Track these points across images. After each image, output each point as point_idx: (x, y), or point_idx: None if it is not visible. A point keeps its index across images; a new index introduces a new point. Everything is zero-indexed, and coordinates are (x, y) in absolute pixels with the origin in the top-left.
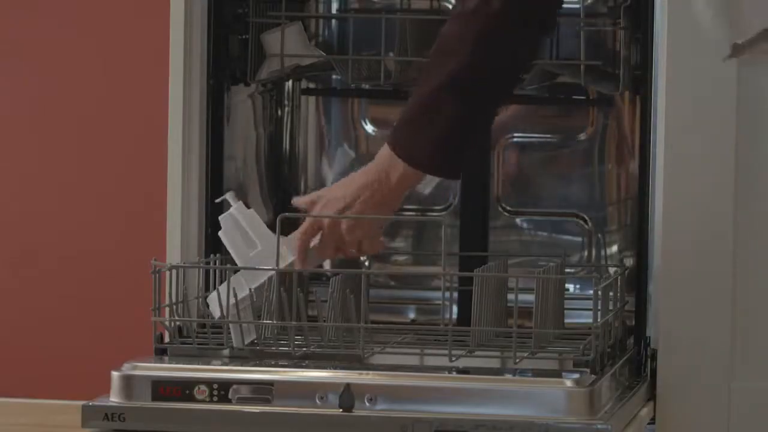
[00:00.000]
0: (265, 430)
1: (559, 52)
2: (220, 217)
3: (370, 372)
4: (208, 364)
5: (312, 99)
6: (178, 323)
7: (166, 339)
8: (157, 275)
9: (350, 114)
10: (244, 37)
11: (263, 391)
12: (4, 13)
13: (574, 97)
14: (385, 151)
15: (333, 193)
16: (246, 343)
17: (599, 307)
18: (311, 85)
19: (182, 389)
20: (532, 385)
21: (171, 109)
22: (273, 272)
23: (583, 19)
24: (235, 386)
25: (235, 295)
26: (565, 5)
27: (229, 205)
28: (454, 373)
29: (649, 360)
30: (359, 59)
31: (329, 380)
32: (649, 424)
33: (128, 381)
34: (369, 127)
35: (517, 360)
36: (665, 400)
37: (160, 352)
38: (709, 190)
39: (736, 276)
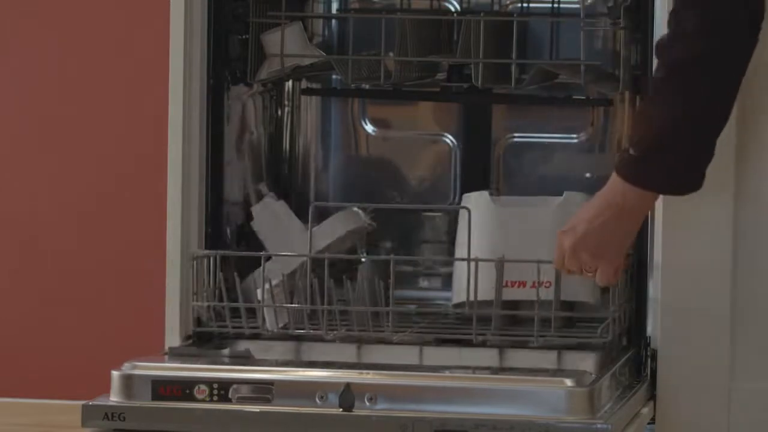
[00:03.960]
0: (265, 429)
1: (559, 52)
2: (252, 208)
3: (371, 371)
4: (209, 363)
5: (312, 99)
6: (214, 308)
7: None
8: (197, 262)
9: (350, 114)
10: (244, 37)
11: (263, 390)
12: (3, 12)
13: (574, 97)
14: (619, 185)
15: (582, 228)
16: (279, 326)
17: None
18: (311, 85)
19: (182, 389)
20: (532, 385)
21: (171, 109)
22: (305, 258)
23: (583, 19)
24: (235, 386)
25: (270, 281)
26: (564, 5)
27: (262, 196)
28: (454, 372)
29: (649, 360)
30: (359, 59)
31: (329, 380)
32: (649, 424)
33: (128, 381)
34: (369, 127)
35: (538, 340)
36: (665, 400)
37: (199, 336)
38: (709, 190)
39: (736, 276)
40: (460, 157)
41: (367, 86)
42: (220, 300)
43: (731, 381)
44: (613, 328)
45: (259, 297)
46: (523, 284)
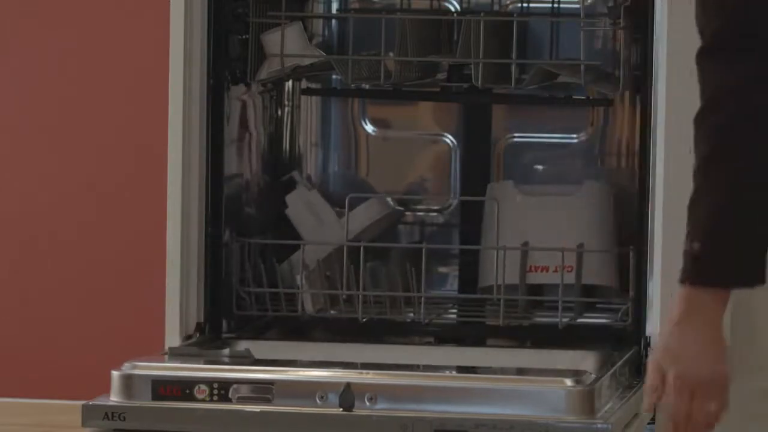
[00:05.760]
0: (265, 429)
1: (559, 52)
2: (287, 197)
3: (371, 371)
4: (209, 363)
5: (312, 99)
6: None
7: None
8: (241, 248)
9: (350, 114)
10: (244, 37)
11: (263, 390)
12: (3, 12)
13: (574, 97)
14: (686, 293)
15: (682, 366)
16: (315, 309)
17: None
18: (311, 85)
19: (182, 389)
20: (532, 385)
21: (171, 109)
22: (340, 246)
23: (583, 19)
24: (235, 386)
25: (307, 267)
26: (564, 5)
27: (295, 184)
28: (454, 372)
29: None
30: (359, 59)
31: (329, 380)
32: (649, 424)
33: (128, 380)
34: (369, 127)
35: (563, 322)
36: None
37: (239, 318)
38: None
39: None
40: (460, 157)
41: (367, 86)
42: (259, 285)
43: (731, 381)
44: (632, 312)
45: (298, 282)
46: (546, 269)
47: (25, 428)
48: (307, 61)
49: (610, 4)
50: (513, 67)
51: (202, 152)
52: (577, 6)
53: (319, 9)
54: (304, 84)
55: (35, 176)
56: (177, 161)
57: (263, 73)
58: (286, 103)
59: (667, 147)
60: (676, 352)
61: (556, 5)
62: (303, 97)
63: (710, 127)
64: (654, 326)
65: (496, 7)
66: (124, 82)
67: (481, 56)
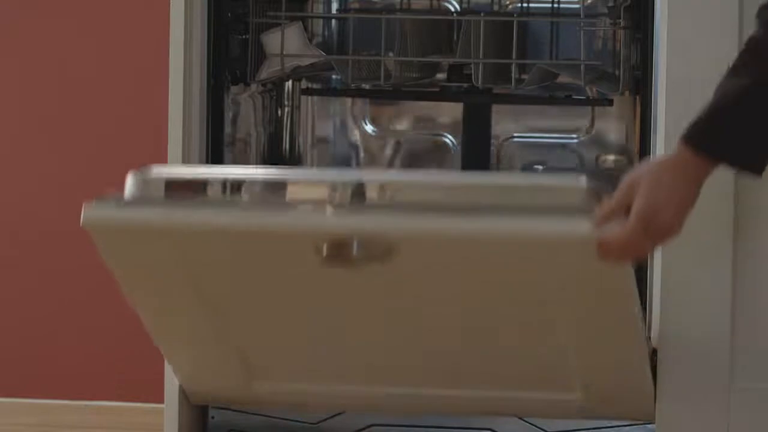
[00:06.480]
0: (277, 224)
1: (559, 52)
2: None
3: (384, 171)
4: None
5: (312, 99)
6: None
7: None
8: None
9: (350, 114)
10: (244, 37)
11: (276, 188)
12: (3, 11)
13: (574, 97)
14: (679, 149)
15: (657, 203)
16: None
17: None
18: (311, 85)
19: (194, 189)
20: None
21: (171, 108)
22: None
23: (583, 19)
24: (247, 184)
25: None
26: (564, 5)
27: None
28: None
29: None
30: (359, 59)
31: (341, 178)
32: (649, 424)
33: (143, 181)
34: (369, 127)
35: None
36: (665, 400)
37: None
38: (708, 190)
39: (736, 275)
40: (460, 157)
41: (367, 86)
42: None
43: (731, 381)
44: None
45: None
46: None
47: (27, 428)
48: (307, 61)
49: (610, 4)
50: (513, 67)
51: (202, 152)
52: (577, 6)
53: (319, 9)
54: (304, 84)
55: (35, 176)
56: (177, 161)
57: (263, 73)
58: (286, 103)
59: (667, 147)
60: (653, 191)
61: (556, 5)
62: (303, 97)
63: (751, 37)
64: (655, 326)
65: (496, 7)
66: (124, 81)
67: (481, 56)
